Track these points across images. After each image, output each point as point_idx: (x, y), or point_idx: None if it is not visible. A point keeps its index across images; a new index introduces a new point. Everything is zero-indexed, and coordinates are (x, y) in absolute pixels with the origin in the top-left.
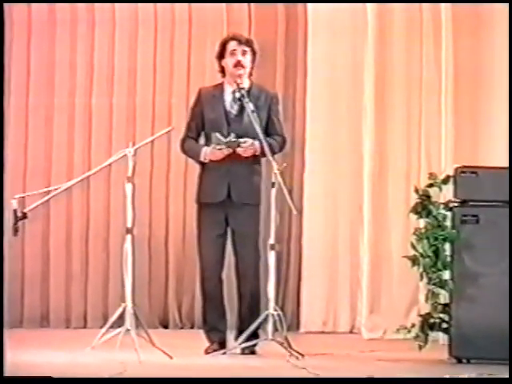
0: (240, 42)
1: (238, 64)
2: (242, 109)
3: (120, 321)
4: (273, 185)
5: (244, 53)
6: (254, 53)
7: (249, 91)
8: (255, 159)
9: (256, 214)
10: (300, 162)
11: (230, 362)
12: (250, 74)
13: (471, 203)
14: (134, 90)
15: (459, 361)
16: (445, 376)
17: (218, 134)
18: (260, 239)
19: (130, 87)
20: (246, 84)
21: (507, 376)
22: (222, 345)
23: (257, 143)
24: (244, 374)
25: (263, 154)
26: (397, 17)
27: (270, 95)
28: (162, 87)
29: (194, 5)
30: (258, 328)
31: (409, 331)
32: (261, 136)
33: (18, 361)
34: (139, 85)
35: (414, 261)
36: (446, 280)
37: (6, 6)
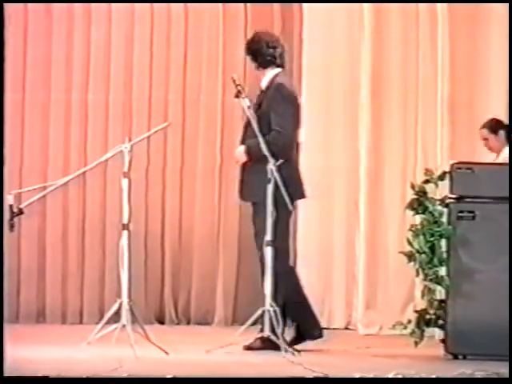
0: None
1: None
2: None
3: (116, 316)
4: (268, 181)
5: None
6: (252, 53)
7: (267, 89)
8: (254, 160)
9: (255, 212)
10: (296, 157)
11: (225, 358)
12: (277, 66)
13: (467, 199)
14: (131, 86)
15: (455, 357)
16: (439, 373)
17: None
18: (261, 236)
19: (126, 83)
20: (264, 82)
21: (504, 371)
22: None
23: (241, 148)
24: (240, 370)
25: (255, 155)
26: (393, 13)
27: (272, 88)
28: (159, 83)
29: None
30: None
31: (405, 327)
32: (257, 133)
33: (15, 357)
34: (135, 81)
35: (410, 257)
36: (442, 276)
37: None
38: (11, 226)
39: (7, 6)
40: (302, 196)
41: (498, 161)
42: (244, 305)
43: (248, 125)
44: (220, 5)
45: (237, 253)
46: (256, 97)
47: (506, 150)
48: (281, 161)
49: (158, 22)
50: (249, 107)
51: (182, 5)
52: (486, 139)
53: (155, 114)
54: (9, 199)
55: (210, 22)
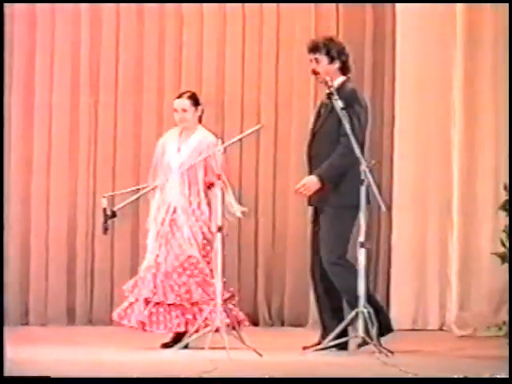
0: (308, 50)
1: (312, 73)
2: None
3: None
4: (361, 182)
5: (313, 61)
6: (328, 53)
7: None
8: (329, 185)
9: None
10: (388, 159)
11: (319, 360)
12: (343, 73)
13: None
14: (223, 87)
15: None
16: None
17: None
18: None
19: (218, 85)
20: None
21: None
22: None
23: (313, 178)
24: (333, 372)
25: (329, 180)
26: (486, 15)
27: (343, 93)
28: (251, 85)
29: (282, 3)
30: (348, 325)
31: (500, 328)
32: (349, 132)
33: (105, 359)
34: (227, 82)
35: (504, 258)
36: None
37: (98, 5)
38: (105, 229)
39: (99, 8)
40: (367, 202)
41: (191, 141)
42: None
43: (316, 131)
44: (312, 5)
45: None
46: (320, 102)
47: (202, 130)
48: (373, 161)
49: (249, 22)
50: (342, 108)
51: (274, 5)
52: (184, 110)
53: (247, 115)
54: (102, 202)
55: (302, 23)
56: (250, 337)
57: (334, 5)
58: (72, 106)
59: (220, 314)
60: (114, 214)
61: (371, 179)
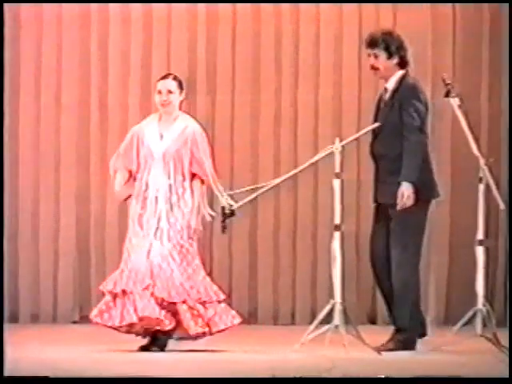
0: (366, 45)
1: (371, 68)
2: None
3: (328, 317)
4: (480, 180)
5: (371, 55)
6: (387, 49)
7: (395, 89)
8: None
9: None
10: (506, 156)
11: (435, 358)
12: (401, 67)
13: None
14: (340, 85)
15: None
16: None
17: None
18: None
19: (335, 82)
20: (391, 83)
21: None
22: None
23: (409, 188)
24: (451, 371)
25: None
26: None
27: (404, 89)
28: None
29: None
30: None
31: None
32: (467, 131)
33: (219, 358)
34: (345, 80)
35: None
36: None
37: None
38: (223, 228)
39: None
40: (437, 195)
41: (175, 127)
42: (456, 304)
43: (379, 129)
44: (428, 5)
45: (448, 251)
46: (378, 99)
47: (185, 116)
48: (492, 159)
49: (365, 19)
50: (459, 106)
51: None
52: (170, 92)
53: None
54: (221, 201)
55: (418, 22)
56: (369, 335)
57: (450, 4)
58: (188, 104)
59: (339, 313)
60: (232, 213)
61: (489, 176)
